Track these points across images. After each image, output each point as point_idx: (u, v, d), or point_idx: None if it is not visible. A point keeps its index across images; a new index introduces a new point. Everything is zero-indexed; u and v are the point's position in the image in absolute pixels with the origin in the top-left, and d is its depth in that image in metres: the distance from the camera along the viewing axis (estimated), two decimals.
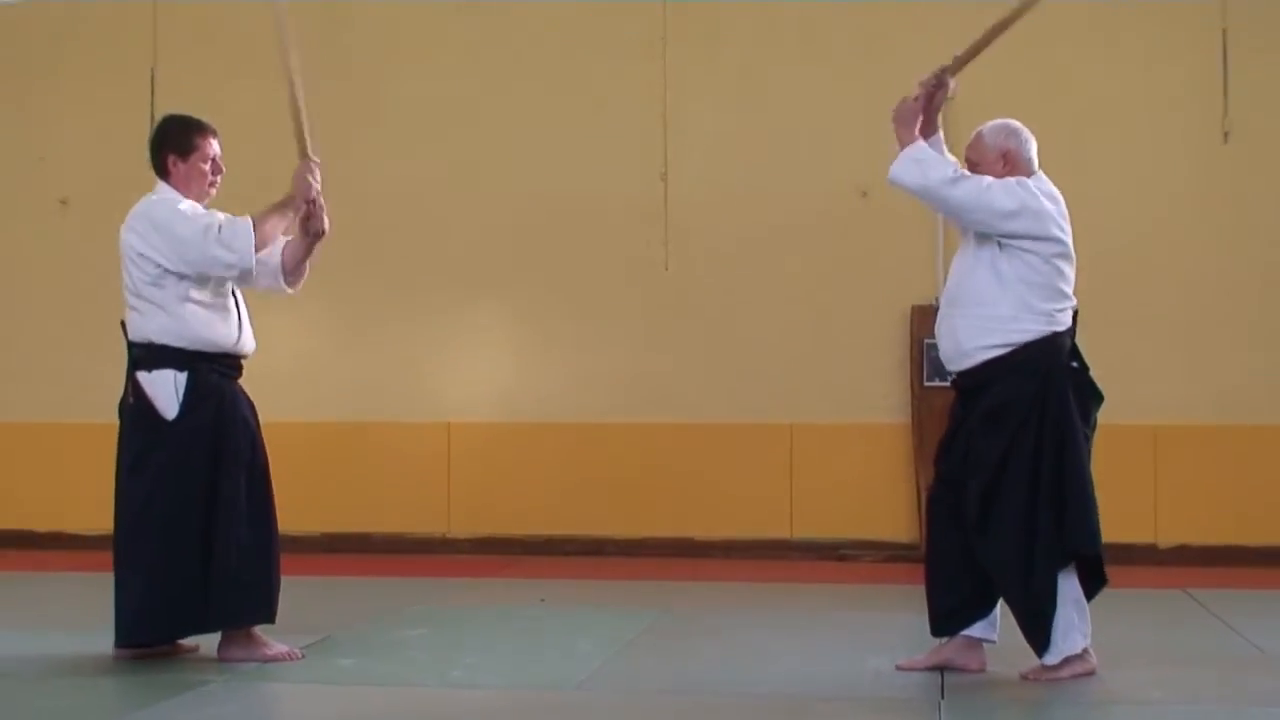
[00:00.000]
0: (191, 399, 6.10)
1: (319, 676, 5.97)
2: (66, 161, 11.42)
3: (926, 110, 6.02)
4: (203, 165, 6.26)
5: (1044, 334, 5.81)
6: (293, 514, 10.96)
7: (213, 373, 6.20)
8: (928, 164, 5.89)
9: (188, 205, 6.16)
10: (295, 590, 8.84)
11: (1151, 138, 10.38)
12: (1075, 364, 5.90)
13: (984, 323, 5.82)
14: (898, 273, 10.35)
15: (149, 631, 6.10)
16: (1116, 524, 10.13)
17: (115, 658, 6.15)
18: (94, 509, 11.25)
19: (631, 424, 10.67)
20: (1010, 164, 5.97)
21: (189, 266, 6.06)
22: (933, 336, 10.00)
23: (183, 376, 6.10)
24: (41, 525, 11.22)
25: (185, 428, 6.09)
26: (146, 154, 6.34)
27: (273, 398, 11.24)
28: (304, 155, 6.26)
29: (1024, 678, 5.84)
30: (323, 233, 6.33)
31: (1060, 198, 5.97)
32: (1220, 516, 10.12)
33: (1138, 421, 10.20)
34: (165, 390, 6.10)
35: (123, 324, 6.24)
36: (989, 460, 5.76)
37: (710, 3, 10.80)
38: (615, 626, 6.21)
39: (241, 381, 6.27)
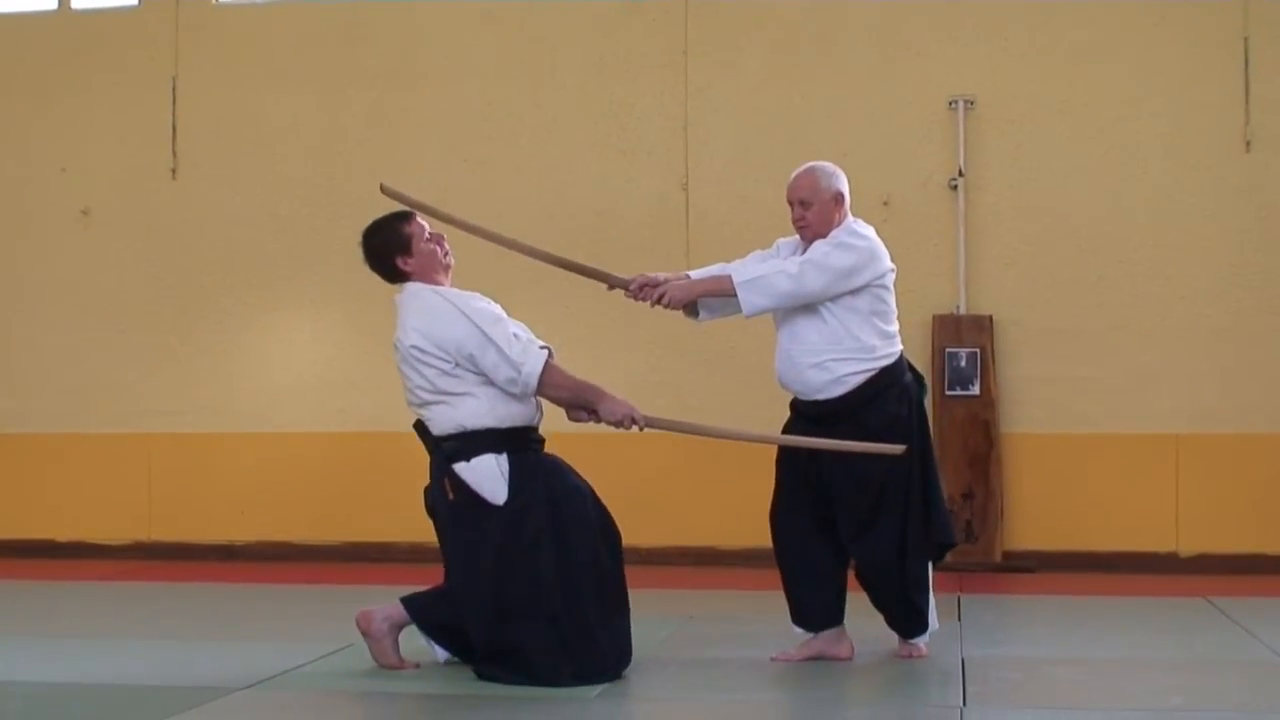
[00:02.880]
0: (518, 478, 5.89)
1: (339, 685, 5.97)
2: (88, 171, 11.44)
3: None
4: (426, 245, 6.08)
5: (897, 355, 6.35)
6: (316, 524, 11.09)
7: (528, 448, 6.02)
8: (761, 281, 6.26)
9: (467, 304, 6.02)
10: (318, 599, 8.89)
11: (1173, 146, 10.34)
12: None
13: (855, 354, 6.25)
14: (919, 282, 10.31)
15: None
16: (1138, 532, 10.26)
17: None
18: (115, 519, 11.36)
19: (653, 434, 10.65)
20: (841, 205, 6.41)
21: (472, 367, 5.91)
22: (955, 345, 10.31)
23: (503, 458, 5.90)
24: (63, 535, 11.27)
25: (519, 507, 5.88)
26: (367, 257, 6.14)
27: (297, 409, 11.39)
28: (628, 414, 6.34)
29: (902, 656, 6.43)
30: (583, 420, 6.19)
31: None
32: (1242, 525, 10.08)
33: (1160, 430, 10.18)
34: (490, 476, 5.89)
35: (417, 426, 6.08)
36: (875, 475, 6.22)
37: (731, 13, 10.80)
38: (637, 635, 6.20)
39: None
